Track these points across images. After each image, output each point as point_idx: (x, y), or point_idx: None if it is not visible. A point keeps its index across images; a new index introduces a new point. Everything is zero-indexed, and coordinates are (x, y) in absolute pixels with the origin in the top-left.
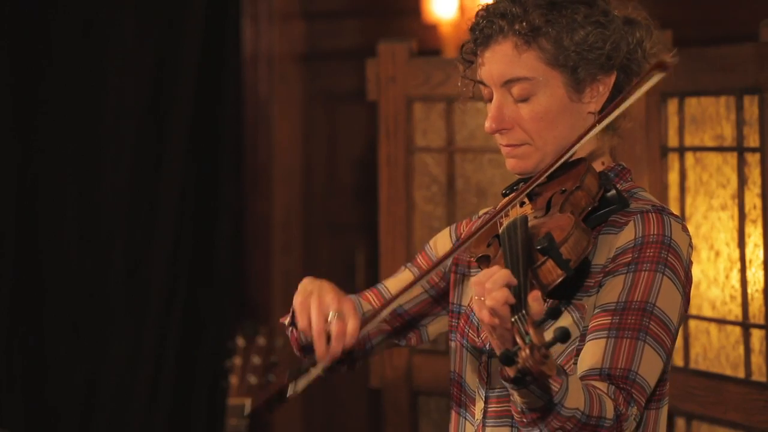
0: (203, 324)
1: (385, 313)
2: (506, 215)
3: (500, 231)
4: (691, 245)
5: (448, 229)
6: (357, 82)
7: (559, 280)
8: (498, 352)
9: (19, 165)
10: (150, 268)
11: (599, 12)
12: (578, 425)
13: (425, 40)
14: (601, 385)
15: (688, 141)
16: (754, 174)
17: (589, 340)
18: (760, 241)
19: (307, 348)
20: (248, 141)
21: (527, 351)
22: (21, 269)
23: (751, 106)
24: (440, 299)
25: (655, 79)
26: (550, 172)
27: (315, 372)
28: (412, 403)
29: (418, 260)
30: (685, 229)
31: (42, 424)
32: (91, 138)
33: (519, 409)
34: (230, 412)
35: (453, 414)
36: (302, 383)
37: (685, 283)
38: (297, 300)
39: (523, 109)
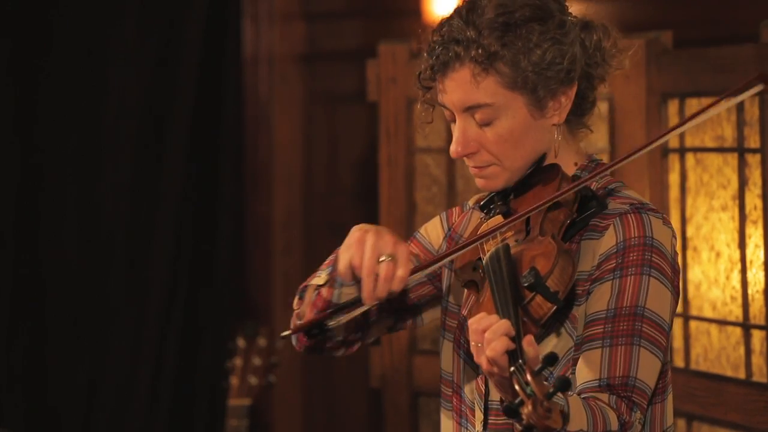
0: (203, 325)
1: (435, 267)
2: (495, 239)
3: (484, 261)
4: (674, 236)
5: (438, 217)
6: (358, 82)
7: (551, 312)
8: (499, 393)
9: (19, 164)
10: (150, 269)
11: (554, 26)
12: None
13: (426, 42)
14: (602, 396)
15: (689, 142)
16: (755, 175)
17: (584, 351)
18: (761, 242)
19: (336, 310)
20: (248, 141)
21: (530, 407)
22: (21, 269)
23: (752, 107)
24: (435, 281)
25: (754, 91)
26: (550, 203)
27: (357, 311)
28: (412, 404)
29: (410, 246)
30: (666, 223)
31: (43, 425)
32: (91, 138)
33: None
34: (231, 413)
35: (453, 423)
36: (343, 318)
37: (672, 277)
38: (353, 235)
39: (487, 133)
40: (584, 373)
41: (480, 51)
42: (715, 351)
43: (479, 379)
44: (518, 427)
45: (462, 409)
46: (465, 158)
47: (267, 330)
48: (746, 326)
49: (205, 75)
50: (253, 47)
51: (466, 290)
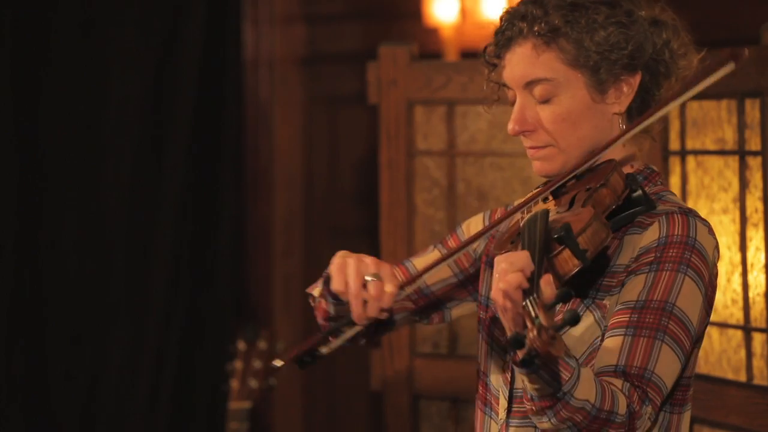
0: (204, 327)
1: (421, 280)
2: (529, 211)
3: (521, 224)
4: (717, 249)
5: (482, 214)
6: (358, 85)
7: (576, 270)
8: (509, 335)
9: (19, 168)
10: (151, 272)
11: (622, 12)
12: (588, 417)
13: (426, 44)
14: (616, 382)
15: (690, 144)
16: (756, 177)
17: (608, 337)
18: (762, 245)
19: (334, 319)
20: (249, 144)
21: (535, 332)
22: (21, 272)
23: (753, 109)
24: (468, 284)
25: (725, 70)
26: (579, 171)
27: (349, 333)
28: (412, 407)
29: (448, 242)
30: (711, 233)
31: (43, 429)
32: (92, 141)
33: (530, 397)
34: (231, 416)
35: (478, 412)
36: (336, 343)
37: (708, 285)
38: (334, 262)
39: (545, 111)
40: (604, 358)
41: (543, 25)
42: (716, 354)
43: (505, 365)
44: (519, 356)
45: (487, 397)
46: (522, 137)
47: (267, 333)
48: (747, 329)
49: (206, 78)
50: (254, 50)
51: None
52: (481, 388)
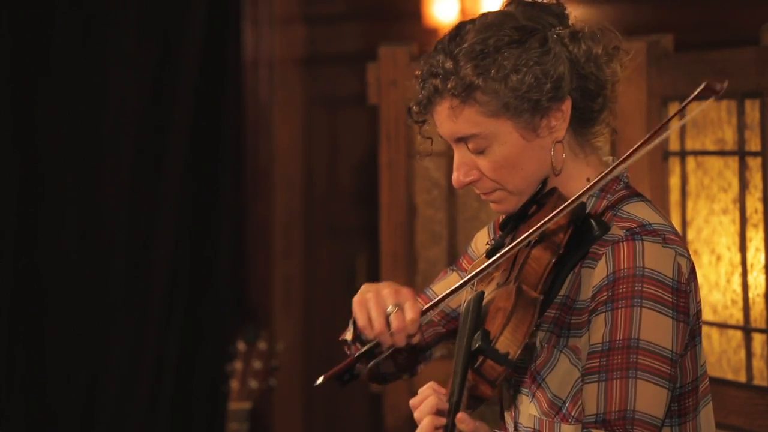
0: (204, 328)
1: (444, 304)
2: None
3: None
4: (680, 254)
5: (485, 228)
6: (358, 86)
7: (504, 374)
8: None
9: (19, 167)
10: (151, 272)
11: (536, 44)
12: None
13: (426, 44)
14: None
15: (690, 145)
16: (756, 178)
17: (584, 384)
18: (762, 245)
19: (368, 355)
20: (249, 145)
21: None
22: (21, 271)
23: (753, 110)
24: None
25: (704, 105)
26: (537, 231)
27: (385, 353)
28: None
29: (462, 263)
30: (667, 243)
31: (43, 429)
32: (91, 142)
33: None
34: (231, 417)
35: None
36: (374, 361)
37: (675, 302)
38: (355, 300)
39: (482, 161)
40: (585, 407)
41: (455, 83)
42: (715, 354)
43: (507, 399)
44: None
45: (500, 424)
46: (473, 186)
47: (267, 333)
48: (747, 330)
49: (206, 78)
50: (254, 51)
51: None
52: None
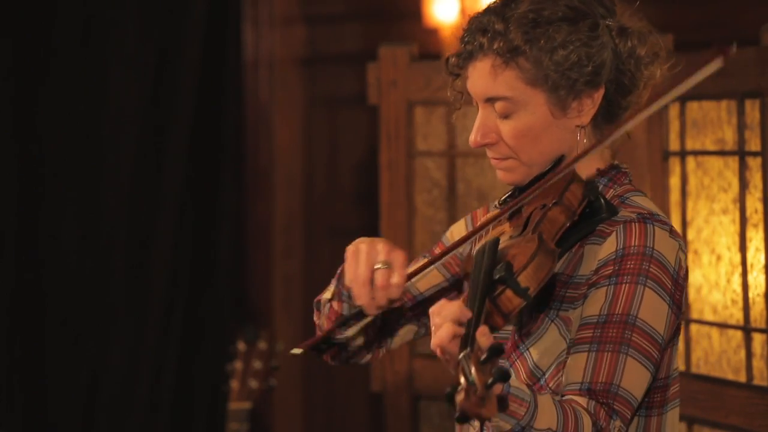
0: (204, 328)
1: (431, 268)
2: (487, 232)
3: (473, 253)
4: (682, 249)
5: (463, 219)
6: (358, 86)
7: (519, 307)
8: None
9: (19, 167)
10: (151, 272)
11: (585, 27)
12: None
13: (426, 44)
14: (581, 400)
15: (690, 145)
16: (756, 178)
17: (572, 353)
18: (762, 245)
19: (345, 322)
20: (249, 145)
21: (462, 394)
22: (21, 271)
23: (753, 110)
24: (459, 287)
25: (713, 67)
26: (538, 192)
27: (361, 323)
28: (412, 408)
29: (435, 251)
30: (674, 235)
31: (43, 428)
32: (92, 141)
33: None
34: (231, 417)
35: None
36: (350, 331)
37: (672, 291)
38: (348, 249)
39: (505, 126)
40: (569, 376)
41: (503, 44)
42: (715, 354)
43: None
44: (456, 414)
45: None
46: (486, 148)
47: (267, 333)
48: (747, 330)
49: (206, 79)
50: (254, 51)
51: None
52: None
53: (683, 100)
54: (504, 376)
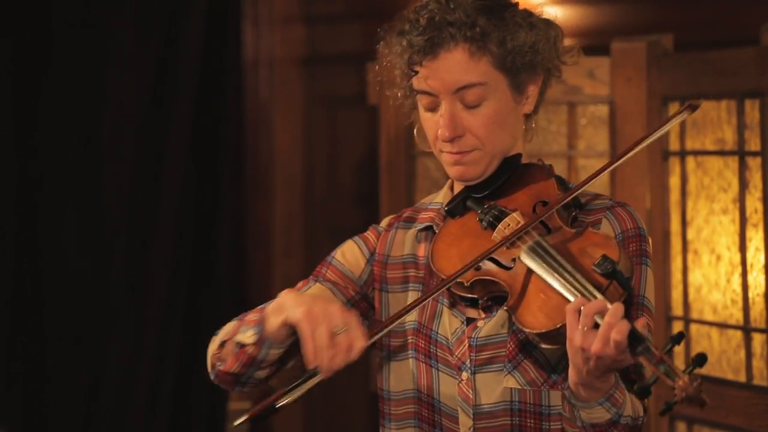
0: (204, 327)
1: (389, 329)
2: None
3: (521, 257)
4: None
5: (352, 242)
6: (358, 86)
7: (621, 300)
8: (578, 379)
9: (19, 167)
10: (151, 272)
11: (526, 13)
12: (626, 430)
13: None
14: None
15: (690, 145)
16: (755, 178)
17: None
18: (761, 245)
19: (288, 388)
20: (249, 145)
21: (686, 380)
22: (21, 271)
23: (752, 110)
24: (355, 310)
25: (681, 117)
26: (569, 199)
27: (311, 384)
28: None
29: (326, 273)
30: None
31: (43, 428)
32: (92, 142)
33: (579, 425)
34: (231, 417)
35: None
36: (296, 394)
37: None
38: (299, 311)
39: (474, 115)
40: None
41: (476, 30)
42: (715, 354)
43: (461, 385)
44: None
45: (435, 419)
46: (447, 144)
47: None
48: (747, 329)
49: (206, 78)
50: (254, 51)
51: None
52: (424, 411)
53: (683, 100)
54: (703, 361)
